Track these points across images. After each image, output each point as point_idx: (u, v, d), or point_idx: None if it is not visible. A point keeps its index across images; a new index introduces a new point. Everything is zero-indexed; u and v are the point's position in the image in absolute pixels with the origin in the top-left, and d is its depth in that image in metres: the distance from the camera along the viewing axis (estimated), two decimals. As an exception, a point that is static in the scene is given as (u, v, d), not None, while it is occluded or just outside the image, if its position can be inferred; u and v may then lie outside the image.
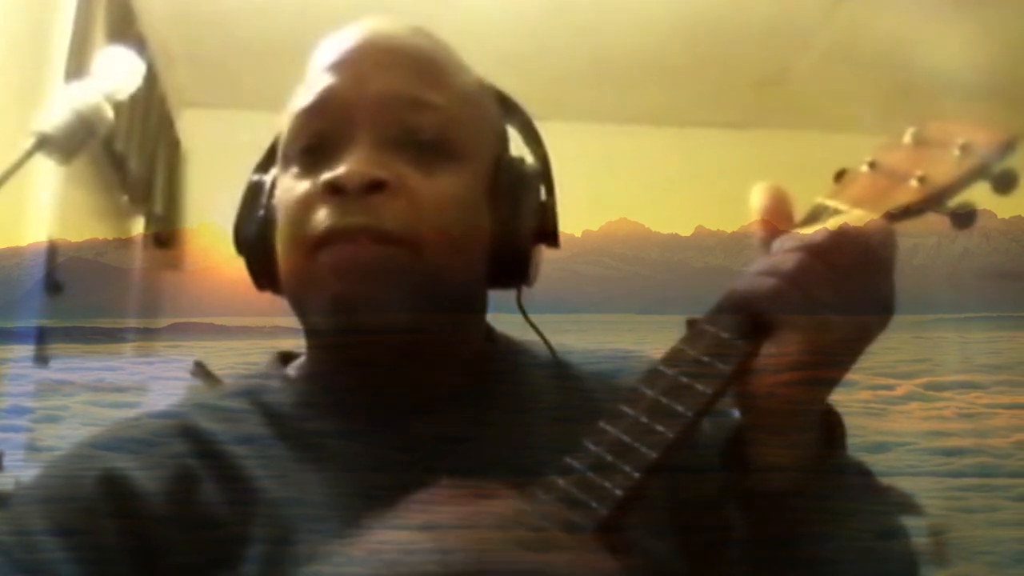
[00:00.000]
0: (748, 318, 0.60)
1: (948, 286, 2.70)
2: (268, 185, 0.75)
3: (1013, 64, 2.31)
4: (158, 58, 2.40)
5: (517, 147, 0.81)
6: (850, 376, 0.62)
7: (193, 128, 2.77)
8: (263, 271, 0.75)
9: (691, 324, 0.63)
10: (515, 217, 0.74)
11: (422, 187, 0.69)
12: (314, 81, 0.73)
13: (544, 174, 0.78)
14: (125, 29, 2.17)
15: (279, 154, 0.75)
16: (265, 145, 0.80)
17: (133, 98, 1.62)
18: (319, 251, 0.69)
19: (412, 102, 0.72)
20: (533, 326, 0.79)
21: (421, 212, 0.69)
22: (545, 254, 0.79)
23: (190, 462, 0.68)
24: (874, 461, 0.70)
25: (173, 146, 2.71)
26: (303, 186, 0.71)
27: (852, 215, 0.62)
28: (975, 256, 3.02)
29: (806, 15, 2.53)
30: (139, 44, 2.07)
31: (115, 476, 0.67)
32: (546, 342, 0.79)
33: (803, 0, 2.49)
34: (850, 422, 0.65)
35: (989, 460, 2.74)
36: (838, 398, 0.65)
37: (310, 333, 0.75)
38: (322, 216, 0.69)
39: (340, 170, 0.68)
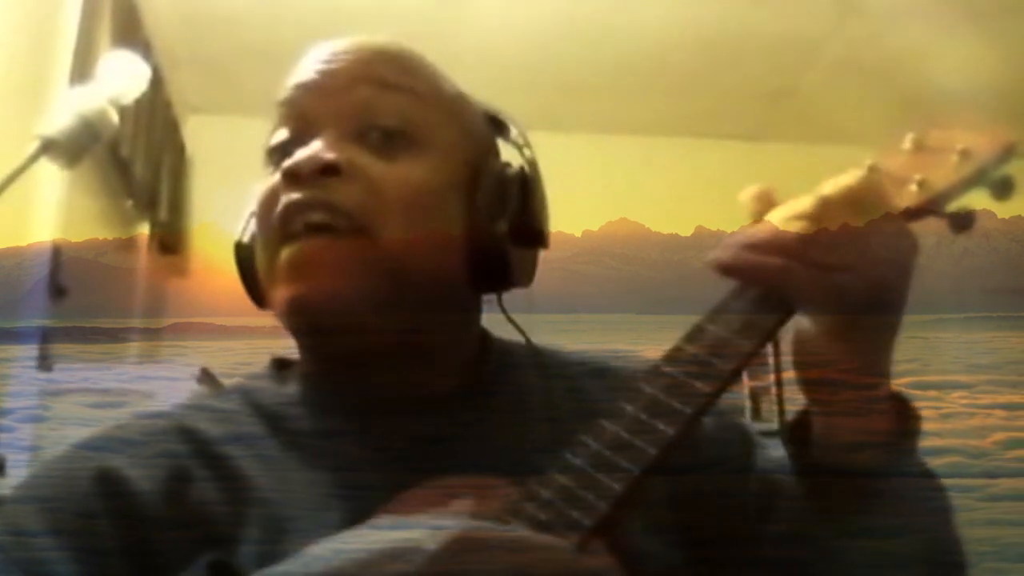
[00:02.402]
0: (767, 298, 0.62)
1: (947, 286, 2.70)
2: None
3: (1021, 77, 2.32)
4: (163, 63, 2.40)
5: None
6: (837, 375, 0.64)
7: (198, 133, 2.77)
8: (255, 289, 0.75)
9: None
10: (491, 216, 0.73)
11: (379, 171, 0.70)
12: (287, 82, 0.75)
13: (531, 178, 0.77)
14: (130, 33, 2.17)
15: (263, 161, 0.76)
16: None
17: (138, 103, 1.62)
18: (281, 248, 0.69)
19: (378, 82, 0.72)
20: (515, 325, 0.79)
21: (376, 194, 0.69)
22: (545, 254, 0.78)
23: (183, 461, 0.68)
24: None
25: (178, 151, 2.70)
26: (269, 182, 0.72)
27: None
28: (975, 256, 3.02)
29: (815, 29, 2.55)
30: (144, 48, 2.07)
31: (109, 474, 0.67)
32: (528, 340, 0.80)
33: (812, 14, 2.50)
34: (828, 421, 0.66)
35: (962, 460, 2.74)
36: (821, 397, 0.66)
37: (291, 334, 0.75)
38: (281, 204, 0.69)
39: (295, 156, 0.69)
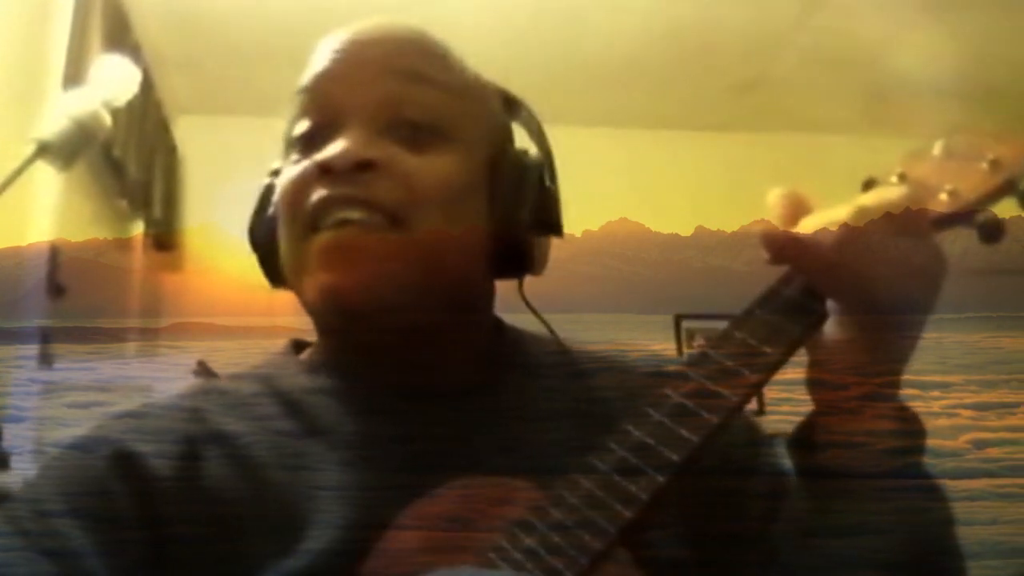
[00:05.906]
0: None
1: (947, 286, 2.68)
2: (276, 184, 0.76)
3: (983, 65, 2.33)
4: (154, 65, 2.40)
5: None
6: (821, 375, 0.64)
7: (189, 134, 2.77)
8: (272, 268, 0.76)
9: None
10: (514, 205, 0.74)
11: (413, 165, 0.70)
12: (311, 69, 0.75)
13: (547, 166, 0.78)
14: (121, 37, 2.18)
15: (283, 147, 0.76)
16: (260, 149, 0.81)
17: (130, 105, 1.63)
18: (312, 236, 0.69)
19: (406, 74, 0.73)
20: (536, 314, 0.80)
21: (412, 189, 0.69)
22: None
23: (200, 445, 0.69)
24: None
25: (170, 151, 2.71)
26: (297, 170, 0.72)
27: None
28: (975, 256, 3.00)
29: (782, 20, 2.56)
30: (135, 52, 2.08)
31: (126, 454, 0.67)
32: (550, 330, 0.80)
33: (779, 5, 2.52)
34: (831, 422, 0.66)
35: (928, 460, 2.72)
36: (798, 396, 0.66)
37: (314, 319, 0.76)
38: (314, 197, 0.69)
39: (330, 151, 0.69)
